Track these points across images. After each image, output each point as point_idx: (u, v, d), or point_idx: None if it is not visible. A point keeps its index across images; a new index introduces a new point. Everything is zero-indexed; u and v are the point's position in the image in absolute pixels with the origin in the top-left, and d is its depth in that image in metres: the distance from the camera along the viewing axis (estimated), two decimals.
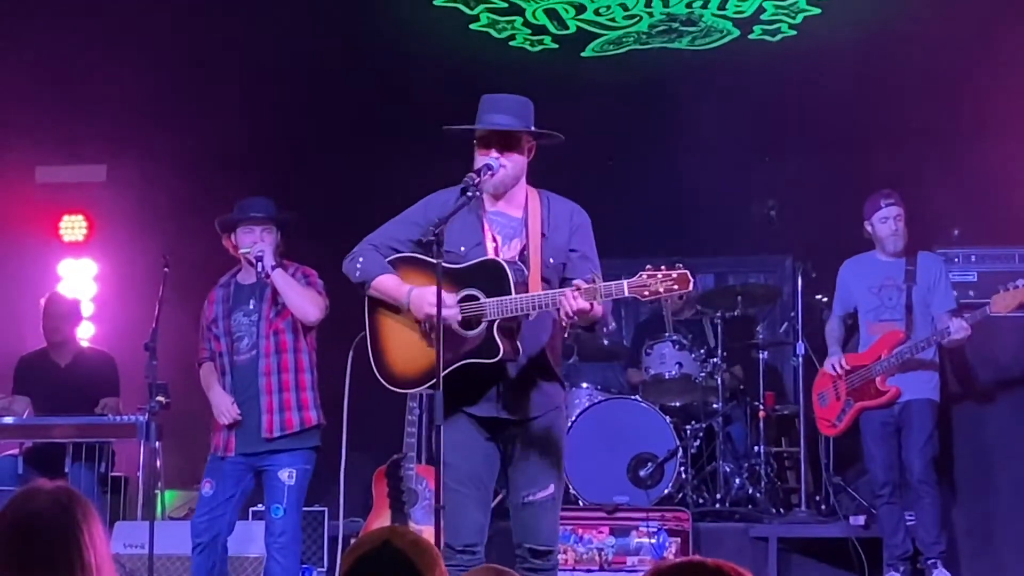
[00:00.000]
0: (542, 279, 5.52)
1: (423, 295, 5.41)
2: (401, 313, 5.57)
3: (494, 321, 5.40)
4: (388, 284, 5.57)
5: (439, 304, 5.24)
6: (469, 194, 5.48)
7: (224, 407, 6.96)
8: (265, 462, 6.99)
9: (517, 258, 5.58)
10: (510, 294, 5.38)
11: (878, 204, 7.99)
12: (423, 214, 5.60)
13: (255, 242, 6.93)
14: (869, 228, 8.05)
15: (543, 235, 5.62)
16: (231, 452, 6.96)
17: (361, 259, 5.62)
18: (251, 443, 6.95)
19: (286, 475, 6.94)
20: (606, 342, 10.16)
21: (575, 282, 5.29)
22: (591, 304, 5.23)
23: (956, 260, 8.26)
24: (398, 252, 5.63)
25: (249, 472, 7.04)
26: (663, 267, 5.22)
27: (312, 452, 7.06)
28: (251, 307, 7.05)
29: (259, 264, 6.85)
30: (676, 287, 5.23)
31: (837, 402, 8.15)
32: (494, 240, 5.61)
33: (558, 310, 5.33)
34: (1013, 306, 7.47)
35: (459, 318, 5.40)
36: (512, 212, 5.67)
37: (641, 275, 5.24)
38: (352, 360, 7.14)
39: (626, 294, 5.29)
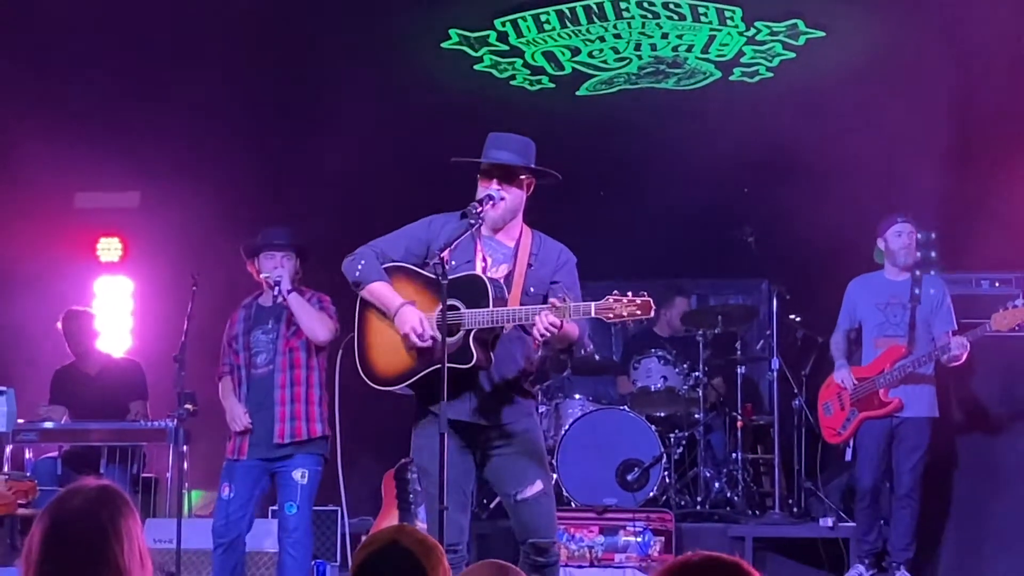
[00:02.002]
0: (520, 305, 5.55)
1: (410, 316, 5.47)
2: (387, 318, 5.61)
3: (471, 331, 5.43)
4: (382, 291, 5.60)
5: (444, 321, 5.28)
6: (471, 220, 5.52)
7: (237, 415, 7.04)
8: (278, 465, 7.04)
9: (502, 280, 5.62)
10: (488, 308, 5.43)
11: (894, 220, 8.02)
12: (425, 230, 5.67)
13: (276, 267, 7.01)
14: (882, 244, 8.06)
15: (529, 265, 5.68)
16: (244, 456, 7.01)
17: (363, 262, 5.65)
18: (264, 449, 7.00)
19: (299, 475, 6.99)
20: (597, 357, 10.18)
21: (550, 300, 5.37)
22: (561, 321, 5.28)
23: (956, 283, 8.26)
24: (395, 262, 5.67)
25: (265, 475, 7.08)
26: (629, 293, 5.28)
27: (321, 457, 7.11)
28: (269, 326, 7.12)
29: (277, 288, 6.94)
30: (639, 312, 5.29)
31: (842, 412, 8.12)
32: (484, 260, 5.67)
33: (531, 328, 5.40)
34: (1013, 325, 7.48)
35: (438, 339, 5.38)
36: (506, 241, 5.73)
37: (608, 299, 5.31)
38: (340, 360, 7.13)
39: (592, 314, 5.34)
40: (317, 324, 7.01)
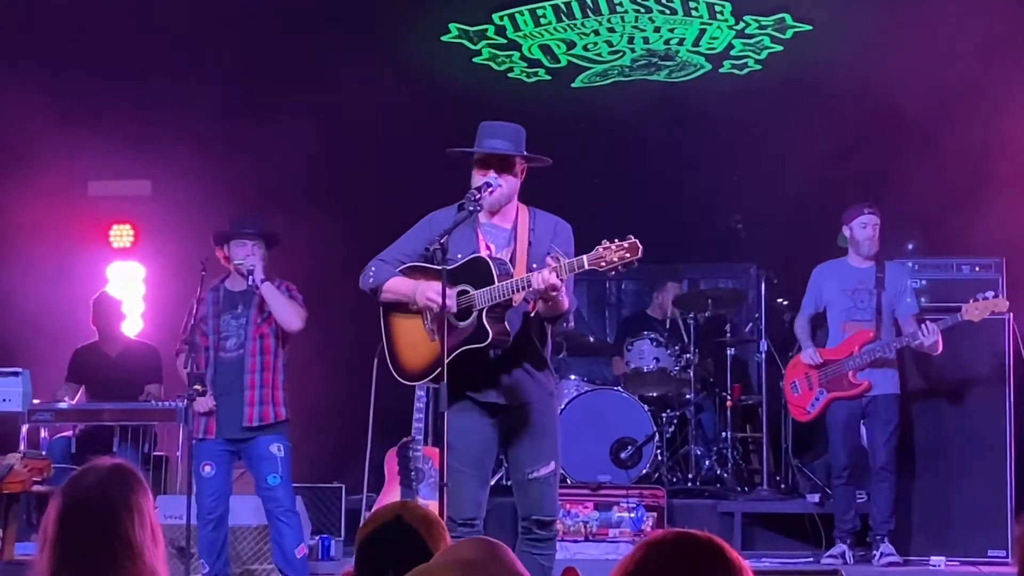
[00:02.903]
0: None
1: (426, 287, 5.46)
2: (409, 316, 5.62)
3: (482, 309, 5.45)
4: (397, 284, 5.63)
5: (443, 298, 5.30)
6: (470, 208, 5.55)
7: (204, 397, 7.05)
8: (247, 445, 7.08)
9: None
10: (494, 285, 5.46)
11: (860, 211, 8.00)
12: (427, 229, 5.67)
13: (247, 255, 6.99)
14: (848, 232, 8.04)
15: (529, 243, 5.70)
16: (211, 435, 7.04)
17: (373, 269, 5.68)
18: (233, 430, 7.04)
19: (276, 448, 7.05)
20: (592, 339, 10.19)
21: (546, 260, 5.35)
22: (560, 279, 5.28)
23: (915, 268, 8.26)
24: (404, 264, 5.68)
25: (233, 456, 7.16)
26: (615, 240, 5.28)
27: (286, 436, 7.14)
28: (239, 311, 7.12)
29: (250, 276, 6.92)
30: (628, 255, 5.26)
31: (810, 391, 8.13)
32: (487, 248, 5.68)
33: (534, 294, 5.43)
34: (985, 314, 7.49)
35: (455, 309, 5.44)
36: (504, 225, 5.75)
37: (597, 248, 5.30)
38: (377, 364, 7.14)
39: (586, 266, 5.33)
40: (291, 313, 7.01)
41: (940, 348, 7.73)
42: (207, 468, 7.06)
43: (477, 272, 5.52)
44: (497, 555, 2.64)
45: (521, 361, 5.67)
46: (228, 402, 7.04)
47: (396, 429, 8.11)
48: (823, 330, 8.24)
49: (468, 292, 5.50)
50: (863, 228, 7.99)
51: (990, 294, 7.53)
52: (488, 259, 5.54)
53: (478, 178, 5.62)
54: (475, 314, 5.48)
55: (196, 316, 7.12)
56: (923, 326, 7.67)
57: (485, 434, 5.63)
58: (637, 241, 5.26)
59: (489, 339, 5.46)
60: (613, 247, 5.28)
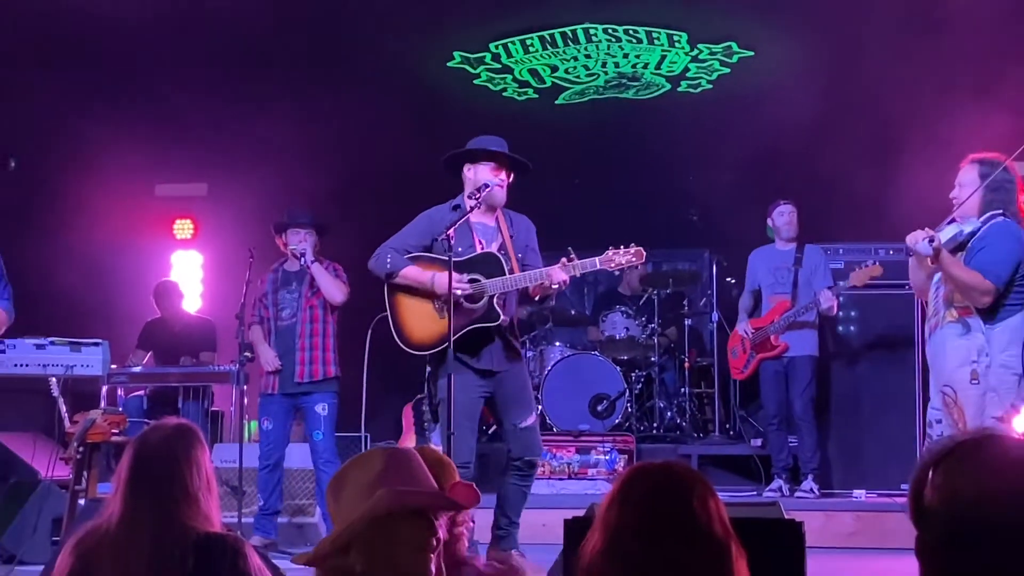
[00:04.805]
0: (520, 269, 5.71)
1: (443, 276, 5.49)
2: (416, 296, 5.66)
3: (493, 295, 5.56)
4: (414, 273, 5.68)
5: (450, 282, 5.38)
6: (472, 204, 5.65)
7: (269, 358, 7.09)
8: (302, 400, 7.08)
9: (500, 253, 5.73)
10: (505, 275, 5.56)
11: (778, 203, 8.12)
12: (428, 223, 5.76)
13: (300, 242, 7.04)
14: (771, 221, 8.12)
15: (511, 236, 5.80)
16: (275, 391, 7.05)
17: (389, 257, 5.72)
18: (288, 385, 7.04)
19: (320, 408, 7.04)
20: (573, 312, 10.19)
21: (561, 260, 5.51)
22: (569, 276, 5.46)
23: (839, 252, 8.25)
24: (409, 253, 5.73)
25: (292, 409, 7.14)
26: (622, 246, 5.49)
27: (335, 393, 7.14)
28: (293, 287, 7.15)
29: (303, 259, 6.93)
30: (633, 259, 5.51)
31: (744, 355, 8.17)
32: (480, 243, 5.77)
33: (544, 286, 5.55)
34: (865, 280, 7.51)
35: (469, 291, 5.51)
36: (489, 222, 5.83)
37: (608, 251, 5.51)
38: (371, 334, 7.17)
39: (598, 267, 5.54)
40: (335, 289, 7.04)
41: (836, 311, 7.85)
42: (265, 423, 7.09)
43: (488, 265, 5.63)
44: (400, 461, 2.64)
45: (507, 335, 5.78)
46: (285, 362, 7.06)
47: (412, 386, 8.12)
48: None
49: (479, 280, 5.56)
50: (781, 216, 8.09)
51: (869, 262, 7.56)
52: (500, 256, 5.65)
53: (492, 176, 5.68)
54: (486, 299, 5.57)
55: (256, 294, 7.19)
56: (821, 293, 7.70)
57: (477, 394, 5.71)
58: (642, 249, 5.51)
59: (500, 319, 5.57)
60: (621, 251, 5.52)
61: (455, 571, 3.05)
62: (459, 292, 5.48)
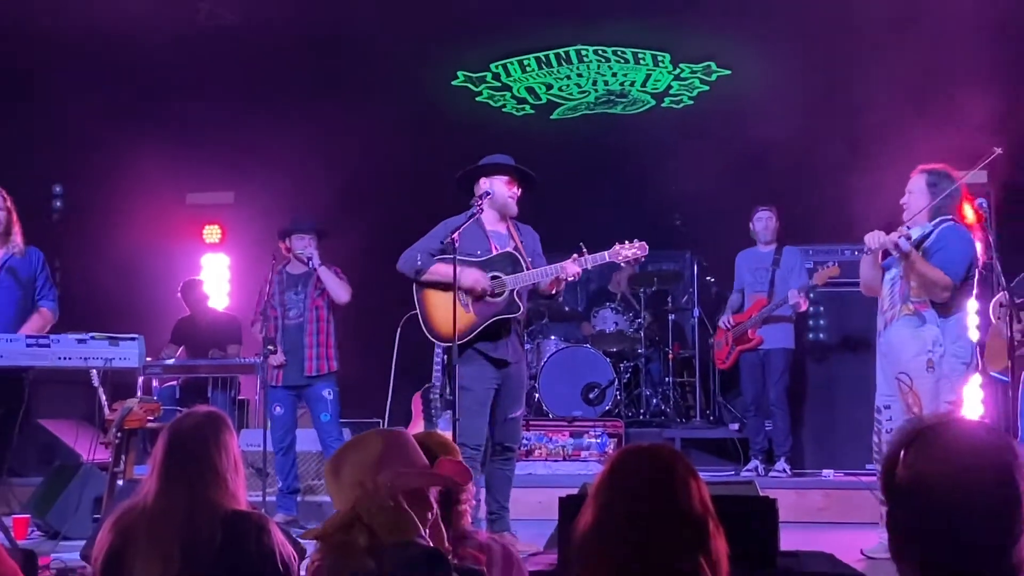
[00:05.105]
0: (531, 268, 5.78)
1: (468, 273, 5.59)
2: (442, 293, 5.65)
3: (514, 290, 5.63)
4: (443, 270, 5.66)
5: (455, 276, 5.43)
6: (474, 211, 5.70)
7: (277, 354, 7.06)
8: (307, 389, 7.09)
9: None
10: (524, 272, 5.66)
11: (757, 209, 8.12)
12: (445, 230, 5.73)
13: (306, 246, 7.01)
14: (752, 225, 8.11)
15: (520, 242, 5.81)
16: (280, 383, 7.04)
17: (419, 257, 5.72)
18: (296, 378, 7.05)
19: (327, 392, 7.06)
20: (567, 308, 10.18)
21: (572, 255, 5.60)
22: (581, 268, 5.56)
23: (809, 253, 8.25)
24: (434, 255, 5.73)
25: (297, 398, 7.15)
26: (627, 241, 5.58)
27: (335, 383, 7.14)
28: (299, 289, 7.14)
29: (310, 262, 6.91)
30: (638, 252, 5.58)
31: (726, 347, 8.19)
32: (495, 247, 5.79)
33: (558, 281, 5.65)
34: (825, 279, 7.56)
35: (490, 287, 5.60)
36: (501, 230, 5.86)
37: (615, 246, 5.59)
38: (401, 330, 7.16)
39: (607, 260, 5.60)
40: (341, 290, 7.04)
41: (803, 307, 7.84)
42: (277, 409, 7.07)
43: (508, 263, 5.70)
44: (396, 443, 2.66)
45: (519, 328, 5.82)
46: (292, 358, 7.05)
47: (420, 375, 8.13)
48: None
49: (500, 277, 5.62)
50: (759, 221, 8.10)
51: (830, 263, 7.59)
52: (518, 255, 5.71)
53: (505, 189, 5.75)
54: (508, 293, 5.61)
55: (268, 294, 7.13)
56: (790, 292, 7.73)
57: (491, 384, 5.70)
58: (644, 243, 5.58)
59: (520, 311, 5.63)
60: (627, 245, 5.58)
61: (460, 543, 3.06)
62: (478, 286, 5.58)
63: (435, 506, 2.62)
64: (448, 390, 6.07)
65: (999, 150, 5.35)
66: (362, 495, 2.49)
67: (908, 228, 5.30)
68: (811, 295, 7.85)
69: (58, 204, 10.30)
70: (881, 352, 5.46)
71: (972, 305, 6.28)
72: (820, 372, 8.28)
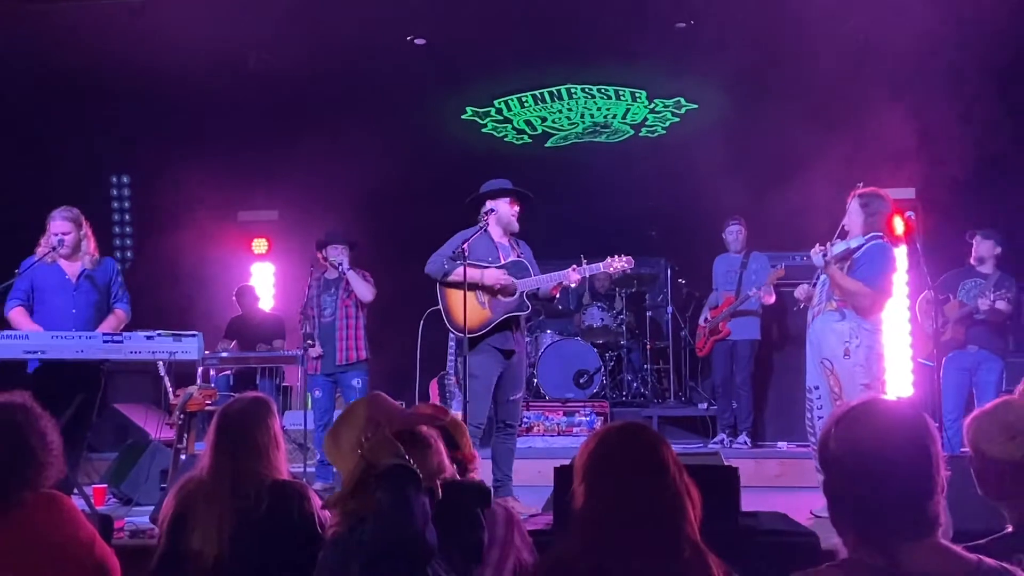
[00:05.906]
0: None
1: (495, 271, 5.65)
2: (461, 292, 5.62)
3: (523, 292, 5.67)
4: (463, 272, 5.62)
5: (464, 280, 5.41)
6: (481, 225, 5.73)
7: (315, 347, 7.06)
8: (339, 377, 7.05)
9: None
10: (532, 276, 5.72)
11: (728, 222, 8.10)
12: (462, 240, 5.71)
13: (339, 255, 7.00)
14: (724, 236, 8.11)
15: (519, 254, 5.82)
16: (319, 372, 7.02)
17: (444, 261, 5.69)
18: (330, 367, 7.02)
19: (356, 382, 7.00)
20: (560, 307, 10.17)
21: (572, 265, 5.62)
22: (580, 276, 5.59)
23: (767, 258, 8.24)
24: (453, 260, 5.70)
25: (333, 384, 7.11)
26: (617, 255, 5.62)
27: (366, 371, 7.10)
28: (332, 291, 7.11)
29: (341, 268, 6.92)
30: (626, 265, 5.61)
31: (704, 338, 8.17)
32: (502, 256, 5.80)
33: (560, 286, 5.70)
34: (774, 280, 7.63)
35: (511, 283, 5.65)
36: (505, 243, 5.85)
37: (608, 259, 5.63)
38: (423, 324, 7.17)
39: (602, 270, 5.65)
40: (365, 290, 7.01)
41: (770, 300, 7.78)
42: (317, 393, 7.06)
43: (519, 269, 5.74)
44: (375, 402, 2.73)
45: (521, 323, 5.79)
46: (327, 349, 7.03)
47: (436, 365, 8.12)
48: None
49: (513, 280, 5.68)
50: (730, 233, 8.07)
51: (780, 265, 7.61)
52: (525, 261, 5.77)
53: (509, 208, 5.78)
54: (519, 293, 5.65)
55: (308, 297, 7.15)
56: (754, 289, 7.73)
57: (497, 371, 5.69)
58: (631, 257, 5.64)
59: (529, 309, 5.70)
60: (617, 258, 5.62)
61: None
62: (497, 285, 5.64)
63: (435, 443, 2.68)
64: (456, 375, 6.08)
65: (861, 184, 5.44)
66: (364, 445, 2.54)
67: (831, 244, 5.39)
68: (767, 293, 7.80)
69: (129, 223, 10.34)
70: (809, 341, 5.54)
71: (893, 304, 6.30)
72: (779, 359, 8.25)
